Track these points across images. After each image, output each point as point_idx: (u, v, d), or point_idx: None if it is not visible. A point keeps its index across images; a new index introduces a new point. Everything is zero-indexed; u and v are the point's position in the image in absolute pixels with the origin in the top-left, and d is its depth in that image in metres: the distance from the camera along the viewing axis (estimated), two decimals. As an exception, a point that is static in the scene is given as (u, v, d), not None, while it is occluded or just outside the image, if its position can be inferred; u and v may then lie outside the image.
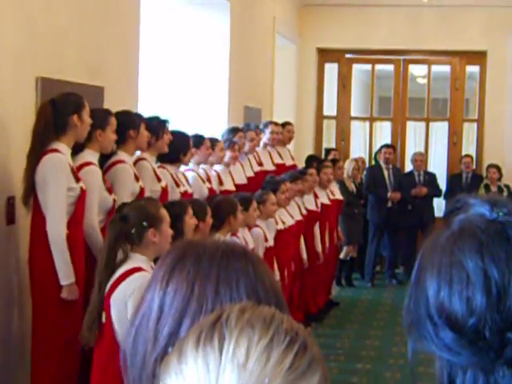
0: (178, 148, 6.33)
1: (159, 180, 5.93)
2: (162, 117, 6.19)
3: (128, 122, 5.60)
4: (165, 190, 5.93)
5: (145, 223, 4.14)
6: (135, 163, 5.82)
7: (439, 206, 12.40)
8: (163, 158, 6.24)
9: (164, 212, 4.29)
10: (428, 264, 1.28)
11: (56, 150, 4.77)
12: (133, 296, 3.85)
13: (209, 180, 7.15)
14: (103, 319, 3.98)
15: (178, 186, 6.26)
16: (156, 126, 6.00)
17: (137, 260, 4.06)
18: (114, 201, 5.23)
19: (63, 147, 4.84)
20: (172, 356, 1.00)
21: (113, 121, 5.35)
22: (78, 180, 4.83)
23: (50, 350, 4.76)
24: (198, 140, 7.03)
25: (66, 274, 4.69)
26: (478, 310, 1.20)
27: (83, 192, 4.86)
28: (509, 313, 1.19)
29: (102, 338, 4.00)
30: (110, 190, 5.27)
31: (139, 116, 5.88)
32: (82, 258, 4.86)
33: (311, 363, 0.98)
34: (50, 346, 4.75)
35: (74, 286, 4.73)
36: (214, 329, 0.99)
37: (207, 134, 7.37)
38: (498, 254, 1.22)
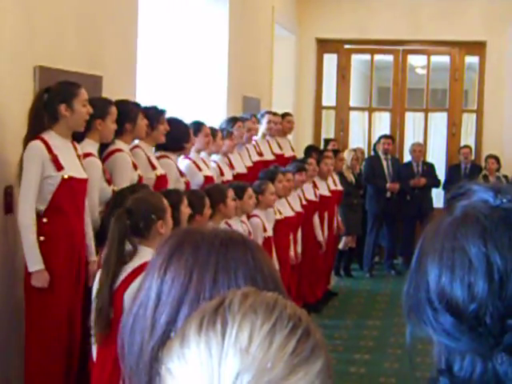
0: (180, 137, 6.31)
1: (154, 168, 5.90)
2: (160, 106, 6.16)
3: (125, 114, 5.56)
4: (160, 178, 5.89)
5: (153, 216, 4.11)
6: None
7: (438, 196, 12.40)
8: (166, 147, 6.21)
9: (166, 202, 4.28)
10: (430, 249, 1.27)
11: (38, 138, 4.75)
12: None
13: (207, 167, 7.13)
14: (111, 315, 3.92)
15: (182, 175, 6.24)
16: (152, 115, 5.97)
17: (146, 253, 3.97)
18: (113, 191, 5.21)
19: (52, 135, 4.81)
20: (174, 340, 1.01)
21: (113, 110, 5.33)
22: (59, 169, 4.80)
23: (40, 338, 4.77)
24: (197, 127, 7.00)
25: (32, 261, 4.67)
26: (479, 296, 1.19)
27: (64, 180, 4.81)
28: (510, 299, 1.18)
29: (111, 333, 3.92)
30: (109, 181, 5.25)
31: (137, 106, 5.84)
32: (65, 247, 4.82)
33: (314, 349, 0.98)
34: (39, 334, 4.77)
35: (41, 273, 4.69)
36: (217, 314, 0.99)
37: (206, 124, 7.34)
38: (502, 240, 1.21)
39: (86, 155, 5.12)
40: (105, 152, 5.50)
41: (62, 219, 4.81)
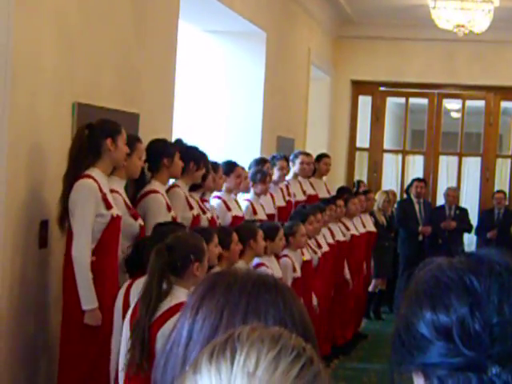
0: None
1: (191, 208, 5.94)
2: (201, 148, 6.24)
3: (162, 150, 5.62)
4: (196, 218, 5.94)
5: (192, 256, 4.09)
6: (168, 190, 5.84)
7: (470, 242, 12.31)
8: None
9: (205, 245, 4.27)
10: (407, 293, 1.36)
11: (88, 176, 4.78)
12: None
13: (238, 208, 7.16)
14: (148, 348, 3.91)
15: (204, 212, 6.25)
16: (198, 155, 6.05)
17: (180, 294, 3.94)
18: (141, 226, 5.23)
19: (97, 173, 4.84)
20: (188, 370, 1.08)
21: (139, 147, 5.35)
22: (108, 207, 4.85)
23: (76, 373, 4.76)
24: (229, 167, 7.05)
25: (87, 299, 4.68)
26: (463, 317, 1.23)
27: (113, 219, 4.85)
28: (493, 312, 1.22)
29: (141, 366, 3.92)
30: (135, 216, 5.26)
31: (174, 145, 5.90)
32: (110, 284, 4.83)
33: (317, 376, 1.05)
34: (75, 370, 4.76)
35: (96, 312, 4.70)
36: (227, 343, 1.07)
37: (238, 164, 7.37)
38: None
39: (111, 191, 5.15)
40: (141, 192, 5.55)
41: (108, 257, 4.85)
